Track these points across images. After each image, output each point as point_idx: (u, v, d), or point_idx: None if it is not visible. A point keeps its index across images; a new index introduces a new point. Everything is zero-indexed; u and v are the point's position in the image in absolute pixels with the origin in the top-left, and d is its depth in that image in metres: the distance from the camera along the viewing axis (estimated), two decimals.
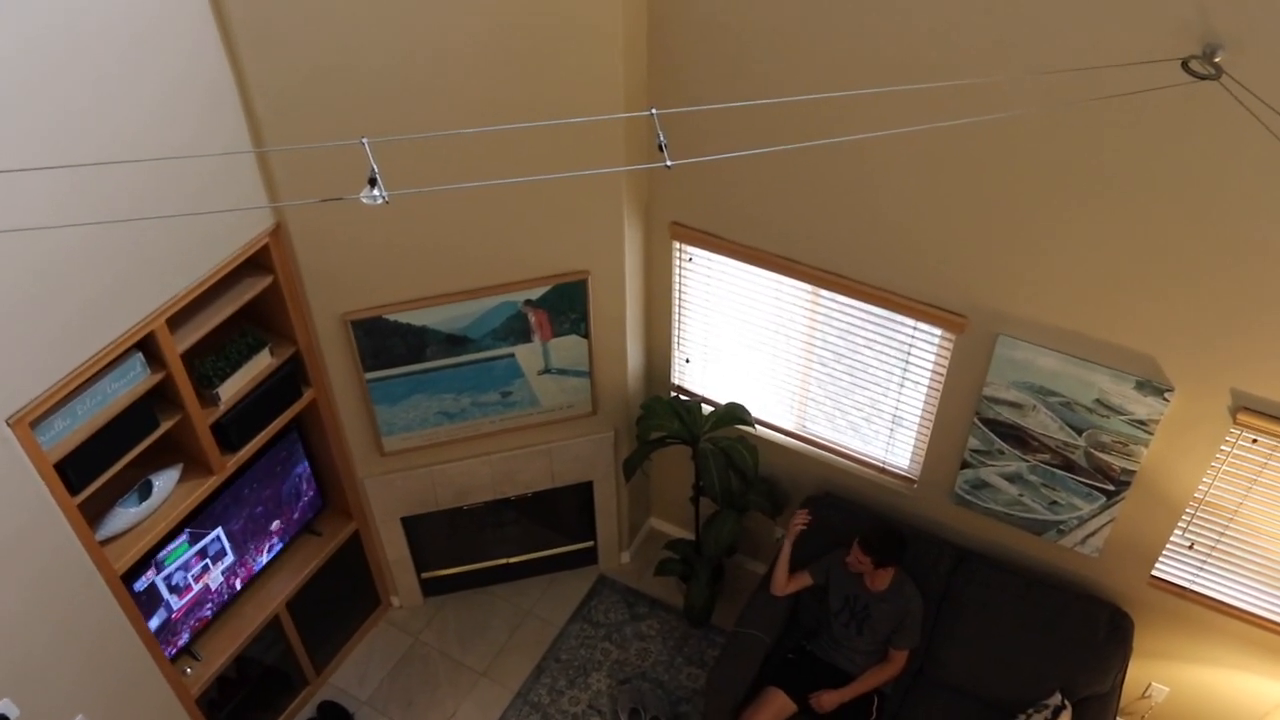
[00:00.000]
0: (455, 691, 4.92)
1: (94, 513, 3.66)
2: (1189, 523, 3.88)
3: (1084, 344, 3.62)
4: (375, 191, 2.08)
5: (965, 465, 4.16)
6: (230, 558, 4.21)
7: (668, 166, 2.10)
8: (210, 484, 3.95)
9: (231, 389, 3.89)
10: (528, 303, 4.16)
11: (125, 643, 3.78)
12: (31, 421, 3.19)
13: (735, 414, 4.47)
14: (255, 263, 3.81)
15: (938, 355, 3.99)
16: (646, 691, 4.83)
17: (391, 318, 4.06)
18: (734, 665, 4.29)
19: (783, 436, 4.66)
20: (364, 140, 2.07)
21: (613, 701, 4.84)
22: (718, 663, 4.31)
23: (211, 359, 3.84)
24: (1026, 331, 3.69)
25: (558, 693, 4.89)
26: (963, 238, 3.61)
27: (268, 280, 3.84)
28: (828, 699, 4.19)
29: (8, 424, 3.10)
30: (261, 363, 3.98)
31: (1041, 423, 3.85)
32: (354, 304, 4.01)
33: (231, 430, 3.95)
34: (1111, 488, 3.88)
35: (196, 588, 4.09)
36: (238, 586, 4.32)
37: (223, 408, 3.88)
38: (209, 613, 4.21)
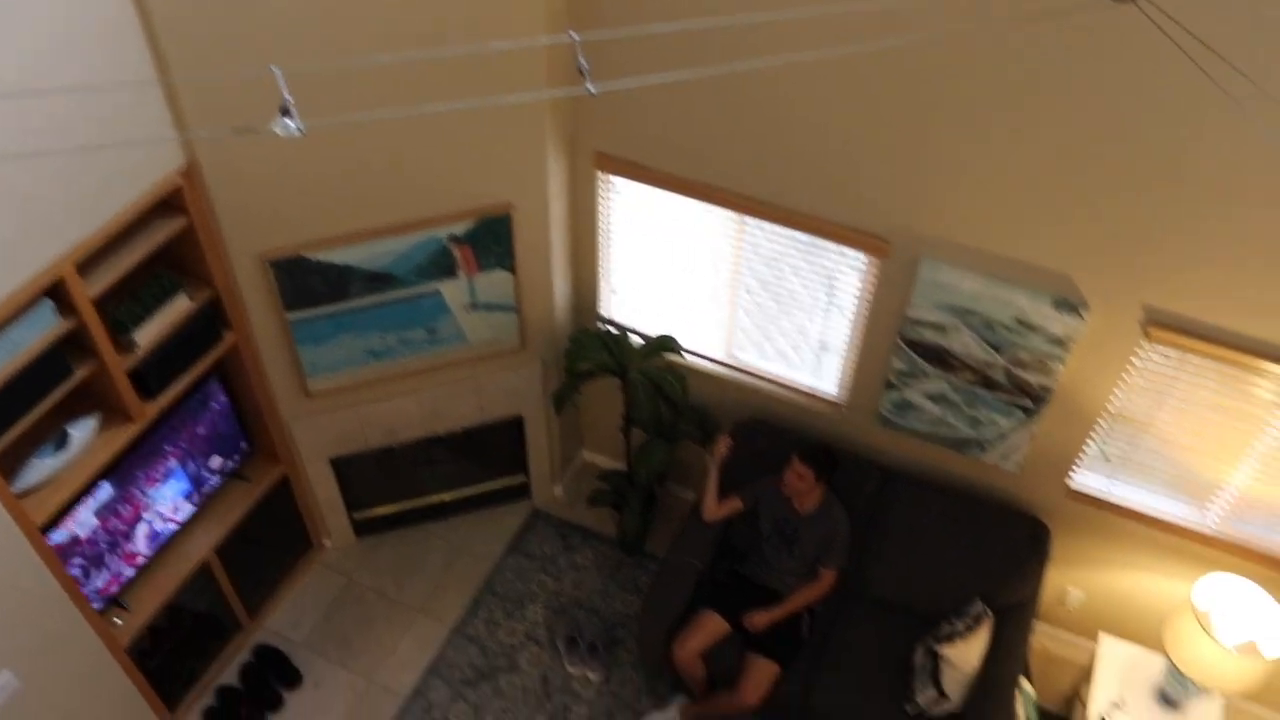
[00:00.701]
0: (392, 629, 4.93)
1: (10, 465, 3.55)
2: (1103, 435, 4.03)
3: (1003, 265, 3.70)
4: (288, 121, 2.02)
5: (890, 387, 4.25)
6: (154, 506, 4.13)
7: (591, 93, 2.07)
8: (130, 432, 3.86)
9: (148, 334, 3.78)
10: (452, 238, 4.10)
11: (48, 596, 3.70)
12: None
13: (664, 344, 4.49)
14: (169, 204, 3.68)
15: (862, 280, 4.05)
16: (583, 619, 4.90)
17: (312, 257, 3.97)
18: (668, 590, 4.38)
19: (711, 365, 4.71)
20: (275, 68, 1.99)
21: (550, 631, 4.90)
22: (652, 588, 4.39)
23: (126, 304, 3.72)
24: (948, 254, 3.76)
25: (494, 625, 4.93)
26: (886, 162, 3.64)
27: (182, 222, 3.72)
28: (760, 618, 4.30)
29: None
30: (179, 307, 3.87)
31: (963, 343, 3.94)
32: (273, 244, 3.90)
33: (150, 376, 3.85)
34: (1030, 404, 4.00)
35: (121, 538, 4.01)
36: (164, 535, 4.25)
37: (140, 354, 3.77)
38: (137, 563, 4.13)
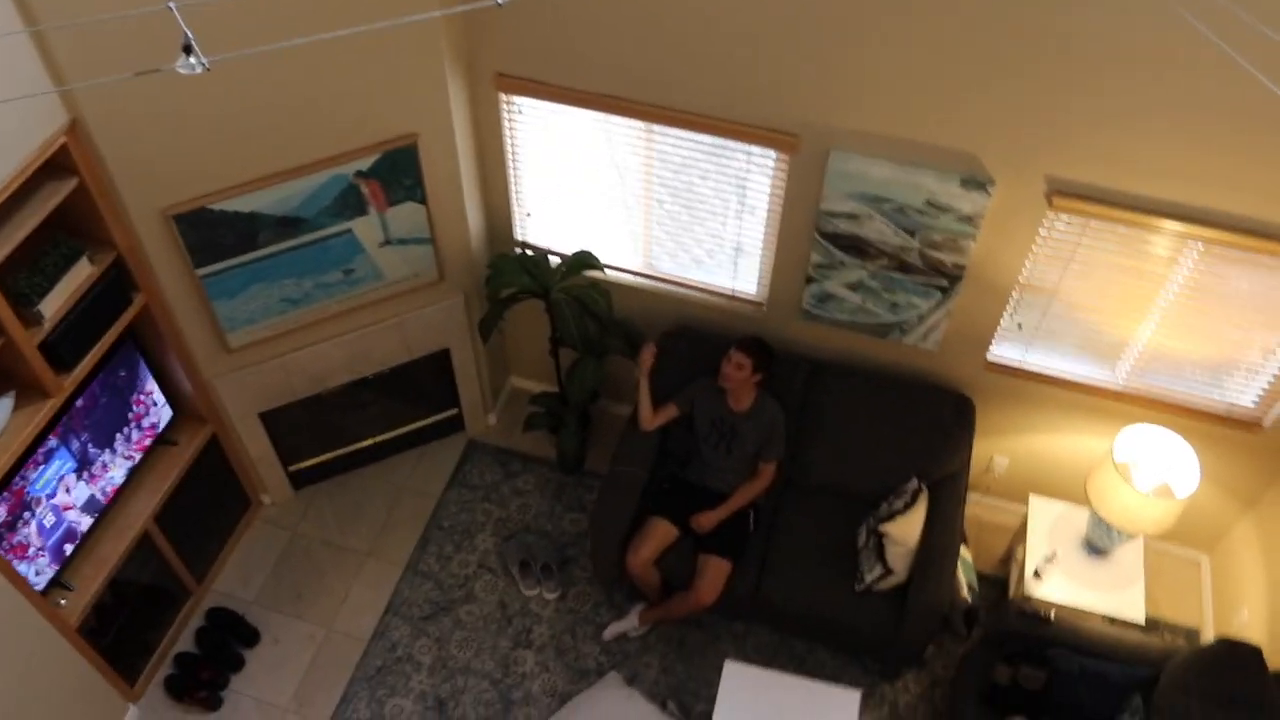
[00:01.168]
0: (343, 575, 4.93)
1: None
2: (1016, 306, 4.18)
3: (910, 149, 3.77)
4: (192, 60, 1.95)
5: (810, 280, 4.33)
6: (81, 481, 4.03)
7: (498, 3, 2.04)
8: (49, 407, 3.74)
9: (54, 304, 3.64)
10: (358, 174, 4.01)
11: None
12: None
13: (583, 261, 4.49)
14: (56, 165, 3.52)
15: (774, 177, 4.09)
16: (533, 543, 4.96)
17: (216, 207, 3.85)
18: (614, 502, 4.45)
19: (632, 277, 4.73)
20: (171, 4, 1.92)
21: (502, 558, 4.95)
22: (598, 502, 4.46)
23: (25, 275, 3.57)
24: (856, 143, 3.82)
25: (446, 558, 4.97)
26: (786, 54, 3.66)
27: (73, 183, 3.57)
28: (706, 519, 4.41)
29: None
30: (81, 272, 3.73)
31: (877, 230, 4.03)
32: (173, 197, 3.78)
33: (62, 348, 3.72)
34: (945, 283, 4.13)
35: (51, 516, 3.92)
36: (97, 509, 4.15)
37: (48, 325, 3.64)
38: (73, 540, 4.04)
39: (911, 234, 4.00)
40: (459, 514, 5.13)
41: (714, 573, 4.35)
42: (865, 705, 4.44)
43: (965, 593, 4.50)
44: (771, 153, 4.00)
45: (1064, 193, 3.72)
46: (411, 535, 5.06)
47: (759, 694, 4.02)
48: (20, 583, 3.76)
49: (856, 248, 4.13)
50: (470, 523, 5.09)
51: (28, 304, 3.56)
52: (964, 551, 4.62)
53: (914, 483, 4.38)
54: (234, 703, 4.53)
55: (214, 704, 4.50)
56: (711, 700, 4.41)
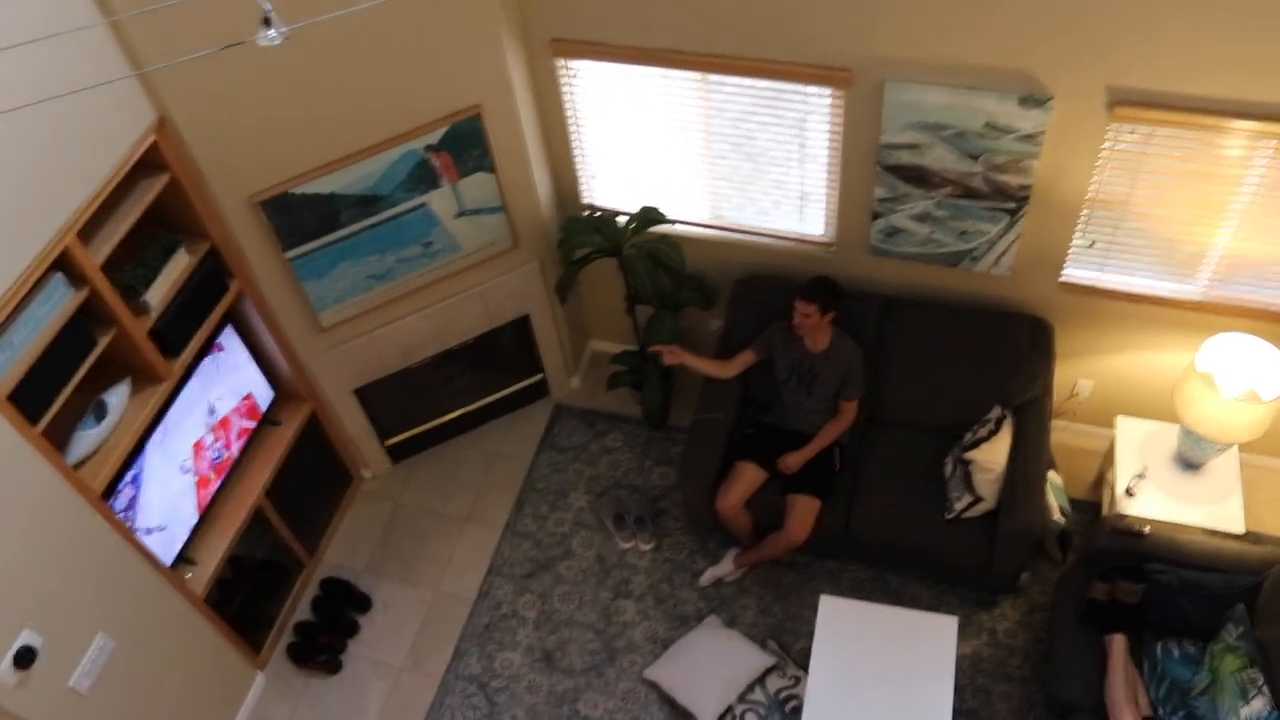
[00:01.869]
0: (445, 541, 5.13)
1: (58, 441, 3.68)
2: (1086, 223, 4.16)
3: (964, 72, 3.78)
4: (271, 32, 2.09)
5: (876, 216, 4.36)
6: (195, 462, 4.28)
7: None
8: (161, 391, 3.99)
9: (158, 294, 3.88)
10: (428, 148, 4.17)
11: (121, 558, 3.86)
12: None
13: (651, 216, 4.59)
14: (148, 163, 3.75)
15: (831, 115, 4.13)
16: (625, 497, 5.10)
17: (298, 190, 4.05)
18: (700, 449, 4.55)
19: (701, 230, 4.81)
20: None
21: (596, 514, 5.10)
22: (685, 450, 4.57)
23: (130, 268, 3.81)
24: (909, 72, 3.84)
25: (542, 518, 5.13)
26: None
27: (165, 178, 3.79)
28: (793, 459, 4.48)
29: None
30: (180, 263, 3.96)
31: (939, 158, 4.04)
32: (257, 184, 3.98)
33: (168, 335, 3.96)
34: (1012, 205, 4.13)
35: (171, 493, 4.17)
36: (213, 489, 4.40)
37: (154, 314, 3.88)
38: (193, 518, 4.29)
39: (974, 158, 4.00)
40: (551, 475, 5.29)
41: (804, 510, 4.43)
42: (963, 634, 4.48)
43: (1057, 516, 4.49)
44: (827, 90, 4.04)
45: (1126, 102, 3.69)
46: (508, 498, 5.23)
47: (857, 626, 4.09)
48: (151, 558, 4.03)
49: (919, 178, 4.15)
50: (563, 482, 5.25)
51: (135, 295, 3.80)
52: (1054, 476, 4.61)
53: (997, 410, 4.39)
54: (353, 665, 4.77)
55: (334, 667, 4.74)
56: (810, 637, 4.49)
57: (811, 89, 4.07)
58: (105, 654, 3.81)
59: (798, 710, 4.23)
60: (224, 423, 4.39)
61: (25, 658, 3.47)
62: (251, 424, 4.58)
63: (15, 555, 3.40)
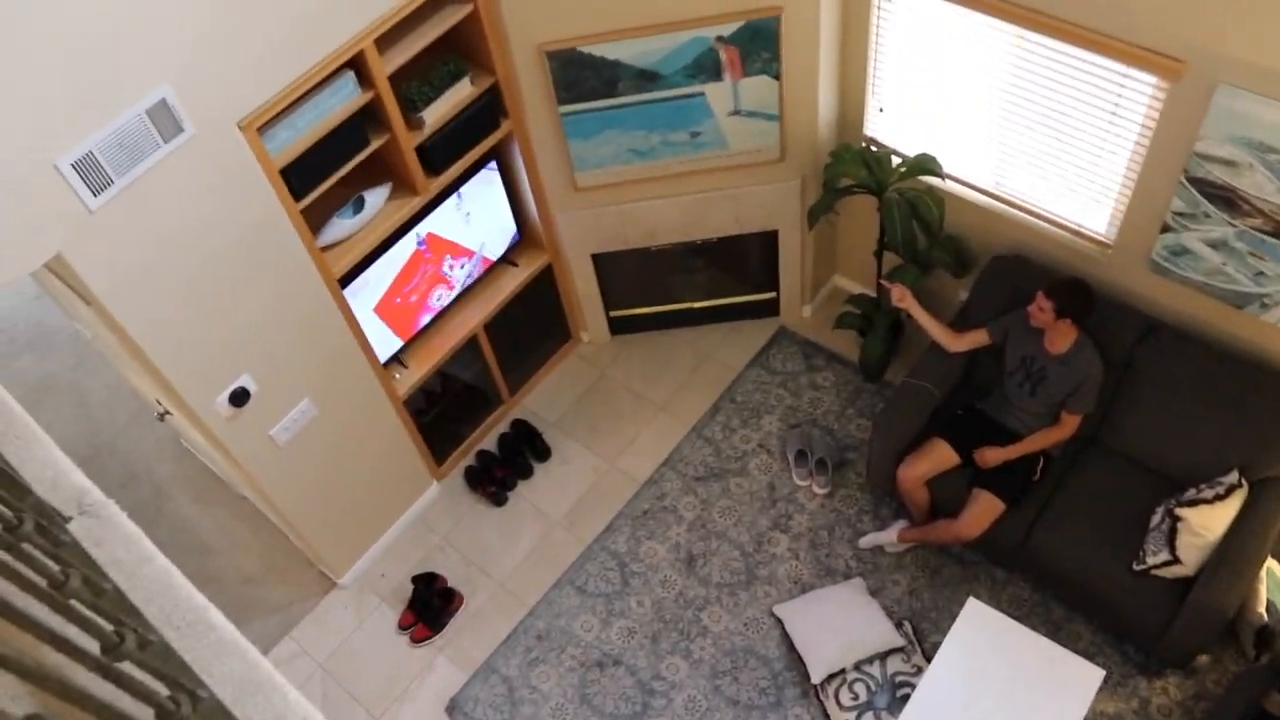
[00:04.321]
0: (636, 421, 5.27)
1: (314, 223, 4.04)
2: None
3: None
4: None
5: (1166, 229, 3.94)
6: (439, 293, 4.58)
7: None
8: (415, 204, 4.27)
9: (435, 113, 4.12)
10: (719, 39, 4.13)
11: (343, 343, 4.24)
12: (259, 128, 3.53)
13: (924, 165, 4.36)
14: None
15: (1148, 106, 3.73)
16: (815, 436, 5.02)
17: (585, 50, 4.14)
18: (901, 411, 4.39)
19: (974, 193, 4.53)
20: None
21: (781, 443, 5.06)
22: (885, 408, 4.43)
23: (416, 84, 4.06)
24: (1252, 79, 3.38)
25: (730, 430, 5.15)
26: None
27: (469, 8, 3.98)
28: (992, 454, 4.23)
29: (239, 127, 3.45)
30: (462, 90, 4.17)
31: (1257, 184, 3.57)
32: (549, 35, 4.10)
33: (434, 153, 4.21)
34: None
35: (417, 292, 4.50)
36: (443, 304, 4.71)
37: (427, 131, 4.13)
38: (418, 324, 4.63)
39: None
40: (753, 392, 5.28)
41: (984, 508, 4.20)
42: (1113, 692, 4.15)
43: (1262, 609, 4.03)
44: (1151, 78, 3.64)
45: None
46: (705, 401, 5.28)
47: (996, 641, 3.89)
48: (369, 350, 4.39)
49: (1227, 200, 3.69)
50: (762, 403, 5.23)
51: (414, 109, 4.06)
52: (1275, 567, 4.12)
53: (1234, 475, 3.94)
54: (515, 504, 5.05)
55: (500, 500, 5.04)
56: (946, 634, 4.31)
57: (1135, 73, 3.67)
58: (306, 418, 4.23)
59: (906, 699, 4.10)
60: (461, 250, 4.67)
61: (240, 397, 3.92)
62: (490, 258, 4.83)
63: (254, 310, 3.82)
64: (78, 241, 3.16)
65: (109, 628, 0.91)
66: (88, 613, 0.92)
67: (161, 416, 4.38)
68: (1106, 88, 3.79)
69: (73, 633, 0.87)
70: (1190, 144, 3.66)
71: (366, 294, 4.31)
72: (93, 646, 0.87)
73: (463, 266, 4.71)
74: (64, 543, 1.14)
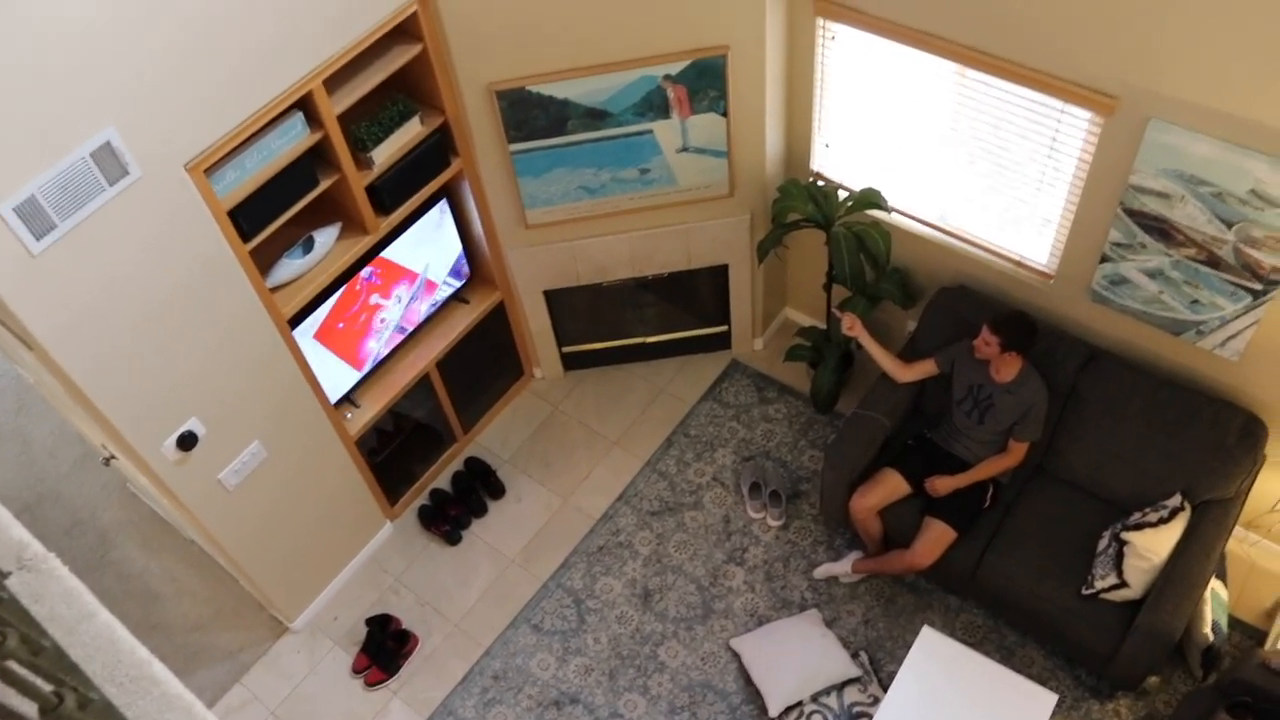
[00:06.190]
0: (590, 456, 5.26)
1: (264, 264, 4.01)
2: None
3: (1242, 128, 3.40)
4: None
5: (1105, 259, 4.04)
6: (383, 315, 4.56)
7: None
8: (365, 243, 4.26)
9: (385, 153, 4.12)
10: (667, 77, 4.19)
11: (292, 382, 4.20)
12: (206, 169, 3.51)
13: (870, 199, 4.44)
14: (404, 31, 3.96)
15: (1084, 140, 3.83)
16: (769, 468, 5.05)
17: (534, 89, 4.17)
18: (852, 443, 4.43)
19: (919, 226, 4.61)
20: None
21: (736, 475, 5.08)
22: (836, 439, 4.46)
23: (365, 124, 4.06)
24: (1180, 114, 3.49)
25: (685, 464, 5.16)
26: (1118, 5, 3.39)
27: (417, 48, 4.00)
28: (943, 483, 4.29)
29: (186, 169, 3.43)
30: (412, 130, 4.18)
31: (1189, 215, 3.68)
32: (499, 74, 4.13)
33: (384, 193, 4.21)
34: (1259, 287, 3.71)
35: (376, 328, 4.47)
36: (394, 344, 4.69)
37: (376, 171, 4.13)
38: (364, 352, 4.59)
39: (1228, 225, 3.62)
40: (707, 426, 5.30)
41: (936, 536, 4.25)
42: (1066, 716, 4.20)
43: (1207, 630, 4.10)
44: (1086, 113, 3.74)
45: None
46: (659, 435, 5.29)
47: (951, 668, 3.92)
48: (319, 391, 4.35)
49: (1162, 231, 3.79)
50: (715, 436, 5.25)
51: (363, 148, 4.06)
52: (1219, 588, 4.20)
53: (1177, 499, 4.03)
54: (470, 543, 5.01)
55: (453, 540, 5.00)
56: (902, 663, 4.34)
57: (1071, 108, 3.78)
58: (256, 460, 4.17)
59: None
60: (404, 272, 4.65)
61: (188, 441, 3.87)
62: (440, 297, 4.82)
63: (202, 352, 3.77)
64: (19, 285, 3.11)
65: (47, 688, 0.90)
66: (25, 673, 0.90)
67: (107, 461, 4.31)
68: (1045, 122, 3.89)
69: (11, 696, 0.86)
70: (1125, 177, 3.76)
71: (309, 322, 4.26)
72: (30, 709, 0.85)
73: (407, 288, 4.68)
74: (1, 600, 1.12)
